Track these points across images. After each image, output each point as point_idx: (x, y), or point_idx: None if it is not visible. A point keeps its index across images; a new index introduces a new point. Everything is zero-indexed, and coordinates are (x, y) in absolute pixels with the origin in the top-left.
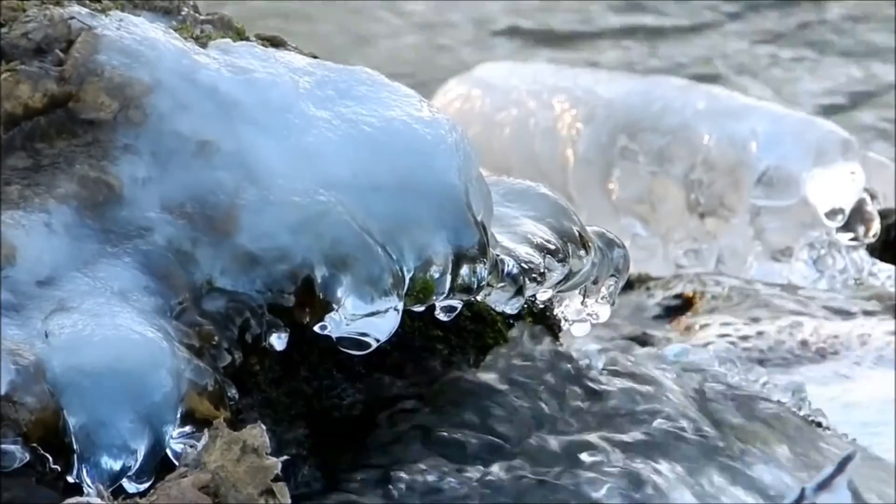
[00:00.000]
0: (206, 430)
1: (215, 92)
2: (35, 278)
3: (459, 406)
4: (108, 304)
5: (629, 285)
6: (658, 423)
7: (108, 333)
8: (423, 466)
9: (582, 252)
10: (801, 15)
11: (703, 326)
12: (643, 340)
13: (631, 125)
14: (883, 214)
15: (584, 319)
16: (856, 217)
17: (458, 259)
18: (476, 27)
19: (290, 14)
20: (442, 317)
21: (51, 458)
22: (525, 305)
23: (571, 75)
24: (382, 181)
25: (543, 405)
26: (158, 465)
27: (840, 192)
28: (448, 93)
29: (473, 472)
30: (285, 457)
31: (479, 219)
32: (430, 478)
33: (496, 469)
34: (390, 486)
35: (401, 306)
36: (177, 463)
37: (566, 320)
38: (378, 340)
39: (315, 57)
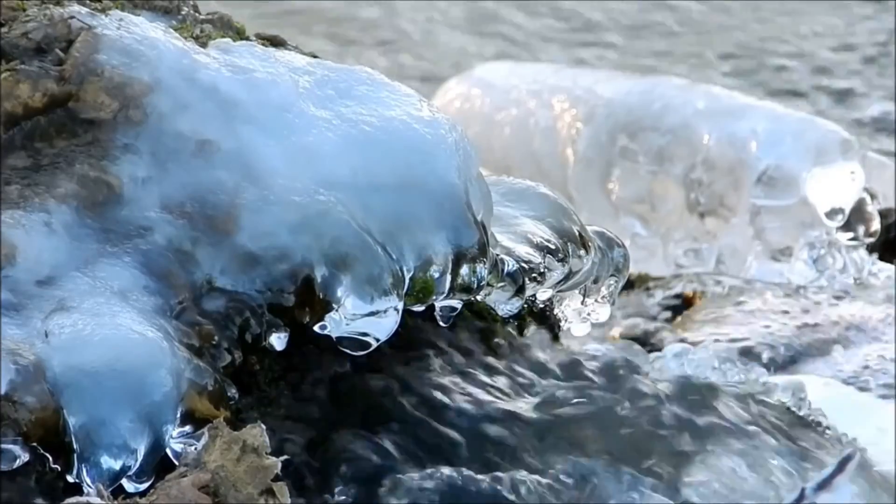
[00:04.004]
0: (205, 430)
1: (215, 91)
2: (35, 278)
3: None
4: (108, 304)
5: (629, 285)
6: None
7: (108, 333)
8: (421, 466)
9: (582, 252)
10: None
11: (702, 326)
12: (643, 340)
13: (631, 125)
14: (883, 214)
15: (584, 319)
16: (856, 217)
17: (458, 259)
18: None
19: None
20: (442, 323)
21: (51, 458)
22: (525, 305)
23: (571, 75)
24: (382, 181)
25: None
26: (158, 465)
27: (840, 192)
28: (448, 92)
29: (472, 472)
30: (285, 456)
31: (479, 218)
32: (429, 475)
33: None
34: (386, 484)
35: (401, 306)
36: (177, 463)
37: (566, 320)
38: (378, 340)
39: (315, 56)
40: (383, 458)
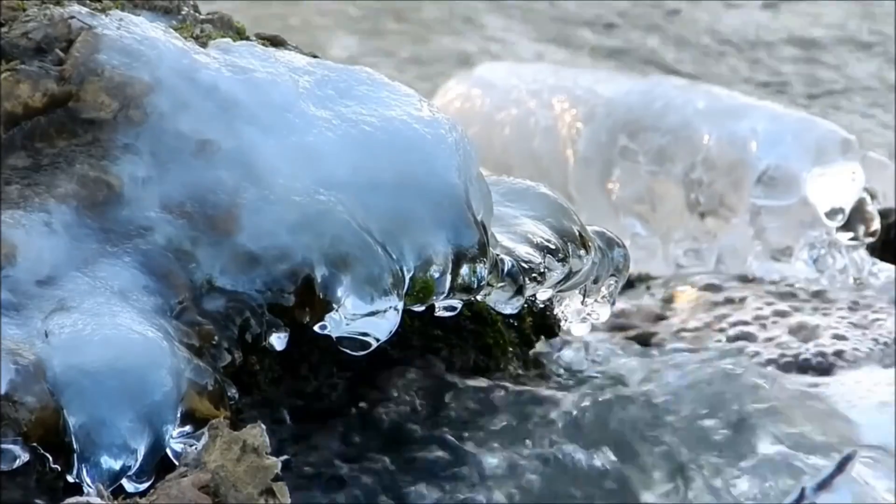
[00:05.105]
0: (205, 430)
1: (215, 91)
2: (35, 278)
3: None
4: (108, 304)
5: (629, 285)
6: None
7: (108, 333)
8: (419, 465)
9: (582, 252)
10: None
11: (702, 325)
12: (643, 340)
13: (631, 124)
14: (883, 214)
15: (584, 319)
16: (856, 217)
17: (458, 259)
18: None
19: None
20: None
21: (51, 458)
22: (525, 305)
23: (571, 75)
24: (382, 180)
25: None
26: (158, 465)
27: (840, 192)
28: (448, 92)
29: (471, 472)
30: (285, 456)
31: (479, 218)
32: (426, 474)
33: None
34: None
35: (401, 306)
36: (177, 462)
37: (566, 320)
38: (378, 340)
39: (315, 56)
40: (378, 460)
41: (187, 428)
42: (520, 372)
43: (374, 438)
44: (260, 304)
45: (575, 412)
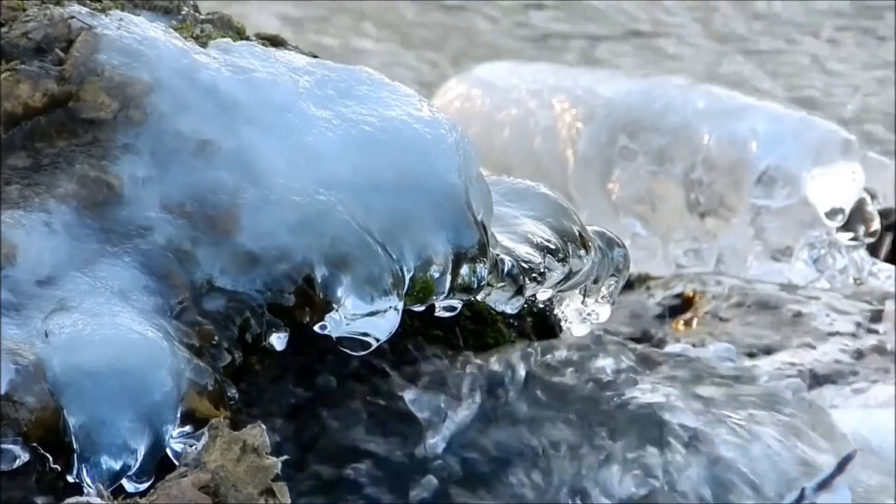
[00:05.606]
0: (205, 430)
1: (216, 91)
2: (35, 278)
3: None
4: (108, 304)
5: (629, 285)
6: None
7: (108, 333)
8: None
9: (582, 252)
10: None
11: (702, 326)
12: (643, 340)
13: (631, 124)
14: (883, 214)
15: (584, 319)
16: (856, 217)
17: (458, 259)
18: None
19: None
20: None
21: (51, 458)
22: (525, 305)
23: (571, 75)
24: (382, 180)
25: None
26: (158, 465)
27: (840, 192)
28: (448, 92)
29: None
30: (285, 456)
31: (479, 218)
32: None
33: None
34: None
35: (401, 306)
36: (177, 463)
37: (566, 320)
38: (378, 340)
39: (315, 56)
40: (378, 459)
41: (187, 428)
42: None
43: (375, 438)
44: (260, 304)
45: None
